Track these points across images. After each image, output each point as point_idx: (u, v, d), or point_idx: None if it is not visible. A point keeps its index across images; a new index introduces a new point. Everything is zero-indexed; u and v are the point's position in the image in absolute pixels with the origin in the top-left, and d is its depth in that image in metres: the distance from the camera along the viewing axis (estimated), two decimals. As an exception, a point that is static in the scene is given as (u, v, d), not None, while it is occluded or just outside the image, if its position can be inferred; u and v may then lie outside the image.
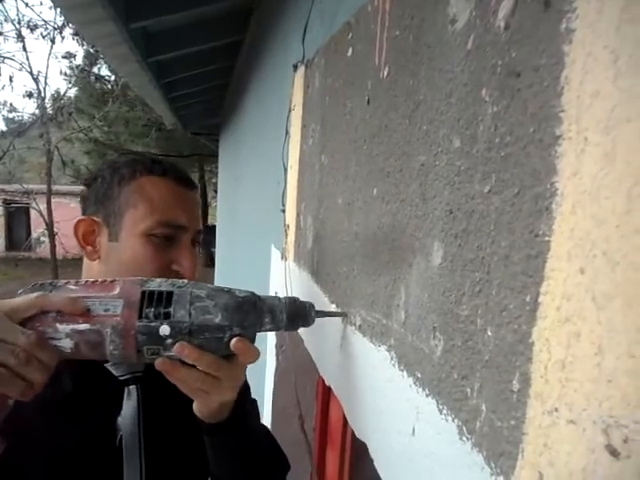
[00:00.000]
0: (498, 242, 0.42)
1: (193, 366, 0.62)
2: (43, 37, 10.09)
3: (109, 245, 0.78)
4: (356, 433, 0.77)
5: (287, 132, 1.42)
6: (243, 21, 2.75)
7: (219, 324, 0.61)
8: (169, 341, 0.60)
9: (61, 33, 9.99)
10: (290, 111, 1.40)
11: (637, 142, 0.29)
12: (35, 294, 0.59)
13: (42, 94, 10.23)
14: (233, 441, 0.76)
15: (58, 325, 0.58)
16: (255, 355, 0.64)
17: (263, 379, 1.79)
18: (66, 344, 0.59)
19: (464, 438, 0.45)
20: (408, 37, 0.62)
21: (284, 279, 1.30)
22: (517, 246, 0.39)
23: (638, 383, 0.28)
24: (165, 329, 0.60)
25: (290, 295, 0.73)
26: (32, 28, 9.99)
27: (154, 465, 0.77)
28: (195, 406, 0.71)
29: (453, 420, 0.47)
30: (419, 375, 0.55)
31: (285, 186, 1.42)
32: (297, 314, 0.66)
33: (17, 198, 13.29)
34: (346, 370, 0.82)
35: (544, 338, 0.35)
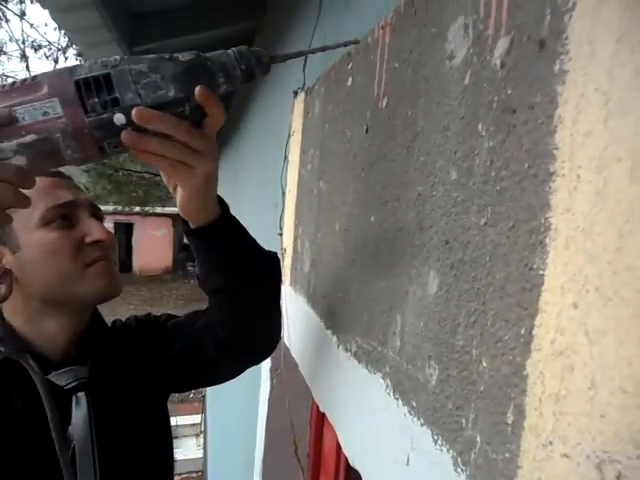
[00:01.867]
0: (493, 274, 0.42)
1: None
2: (47, 57, 10.21)
3: (16, 258, 0.75)
4: (350, 461, 0.76)
5: (286, 157, 1.44)
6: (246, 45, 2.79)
7: (174, 97, 0.55)
8: (129, 129, 0.55)
9: (64, 53, 10.12)
10: (289, 136, 1.42)
11: (627, 181, 0.30)
12: None
13: (43, 113, 10.30)
14: (231, 237, 0.75)
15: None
16: (221, 109, 0.59)
17: (257, 403, 1.77)
18: (19, 161, 0.54)
19: (459, 470, 0.45)
20: (407, 70, 0.63)
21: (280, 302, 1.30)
22: (512, 278, 0.40)
23: (630, 419, 0.28)
24: (120, 118, 0.54)
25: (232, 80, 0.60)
26: (36, 48, 10.12)
27: (109, 471, 0.77)
28: (181, 198, 0.68)
29: (448, 451, 0.47)
30: (414, 404, 0.55)
31: (283, 209, 1.43)
32: (250, 64, 0.59)
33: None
34: (341, 396, 0.81)
35: (538, 371, 0.36)
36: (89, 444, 0.75)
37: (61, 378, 0.77)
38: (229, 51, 0.59)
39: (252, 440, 1.80)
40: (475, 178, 0.46)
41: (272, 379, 1.56)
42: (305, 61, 1.23)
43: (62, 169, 0.73)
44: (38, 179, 0.76)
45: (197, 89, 0.55)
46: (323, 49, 0.73)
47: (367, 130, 0.76)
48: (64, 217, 0.76)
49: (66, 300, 0.78)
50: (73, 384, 0.78)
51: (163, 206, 14.97)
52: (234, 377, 0.97)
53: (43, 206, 0.75)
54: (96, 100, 0.53)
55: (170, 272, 16.66)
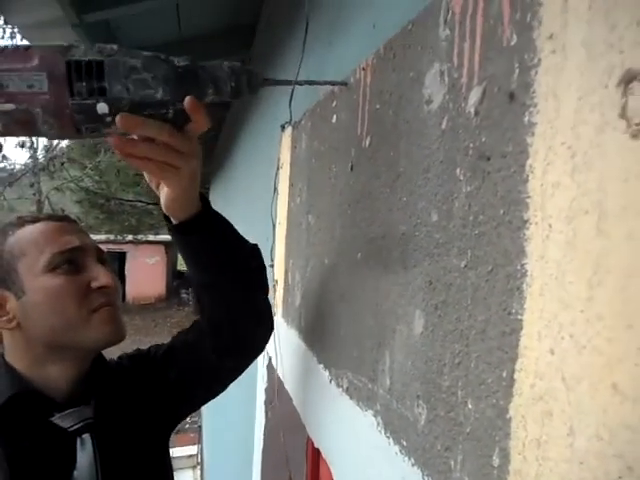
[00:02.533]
0: (475, 316, 0.43)
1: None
2: None
3: (20, 303, 0.76)
4: (345, 498, 0.76)
5: (275, 189, 1.46)
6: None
7: (161, 99, 0.56)
8: (109, 119, 0.55)
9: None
10: (278, 168, 1.44)
11: (594, 234, 0.31)
12: None
13: (34, 145, 10.35)
14: (213, 231, 0.76)
15: None
16: (205, 116, 0.61)
17: (253, 435, 1.75)
18: None
19: (449, 512, 0.45)
20: (388, 111, 0.65)
21: (273, 335, 1.30)
22: (493, 322, 0.41)
23: (606, 467, 0.29)
24: (103, 107, 0.54)
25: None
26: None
27: None
28: (166, 197, 0.69)
29: (438, 492, 0.47)
30: (405, 443, 0.55)
31: (274, 242, 1.44)
32: (241, 81, 0.61)
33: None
34: (334, 432, 0.81)
35: (520, 415, 0.36)
36: None
37: (65, 420, 0.77)
38: (224, 65, 0.61)
39: (249, 473, 1.78)
40: (455, 221, 0.47)
41: (267, 412, 1.55)
42: (291, 96, 1.25)
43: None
44: (45, 224, 0.79)
45: (187, 99, 0.57)
46: (311, 83, 0.75)
47: (352, 167, 0.78)
48: (70, 262, 0.77)
49: (70, 346, 0.78)
50: (77, 426, 0.77)
51: (156, 234, 14.97)
52: (236, 377, 0.96)
53: (49, 251, 0.76)
54: (84, 84, 0.54)
55: (164, 300, 16.55)
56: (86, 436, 0.77)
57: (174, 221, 0.75)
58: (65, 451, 0.75)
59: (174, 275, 18.00)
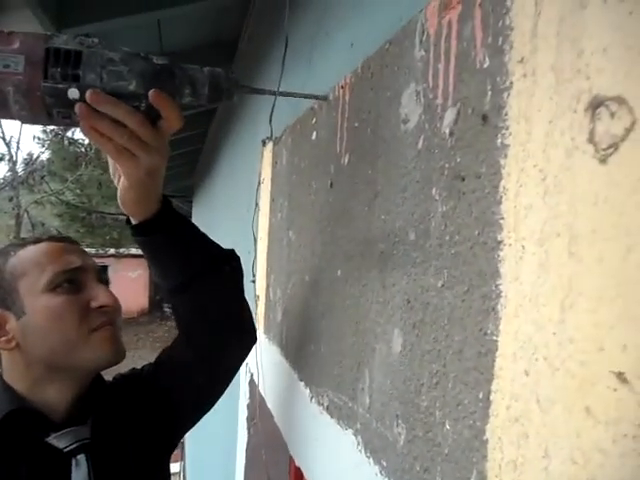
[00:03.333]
0: (452, 336, 0.43)
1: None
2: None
3: (20, 323, 0.75)
4: (326, 519, 0.75)
5: (257, 204, 1.45)
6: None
7: (133, 91, 0.57)
8: (77, 104, 0.56)
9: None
10: (259, 184, 1.43)
11: (566, 256, 0.31)
12: None
13: (14, 158, 10.22)
14: (173, 231, 0.75)
15: None
16: (177, 112, 0.60)
17: (235, 454, 1.73)
18: None
19: (428, 534, 0.45)
20: (366, 129, 0.66)
21: (254, 351, 1.29)
22: (469, 342, 0.41)
23: (581, 492, 0.29)
24: (74, 92, 0.55)
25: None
26: None
27: None
28: (121, 186, 0.68)
29: (417, 515, 0.47)
30: (384, 464, 0.54)
31: (255, 256, 1.43)
32: (220, 87, 0.62)
33: (-17, 262, 12.96)
34: (315, 451, 0.80)
35: (497, 436, 0.36)
36: None
37: (61, 440, 0.76)
38: (204, 69, 0.62)
39: (230, 492, 1.75)
40: (432, 240, 0.48)
41: (249, 429, 1.53)
42: (272, 112, 1.25)
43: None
44: (46, 244, 0.79)
45: (151, 91, 0.58)
46: (290, 95, 0.75)
47: (332, 184, 0.78)
48: (71, 282, 0.77)
49: (70, 366, 0.77)
50: (73, 446, 0.76)
51: (138, 248, 14.81)
52: (223, 389, 0.95)
53: (51, 270, 0.75)
54: (58, 70, 0.55)
55: (146, 314, 16.33)
56: (81, 457, 0.76)
57: (133, 221, 0.74)
58: (60, 472, 0.74)
59: (157, 289, 17.80)
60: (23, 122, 0.60)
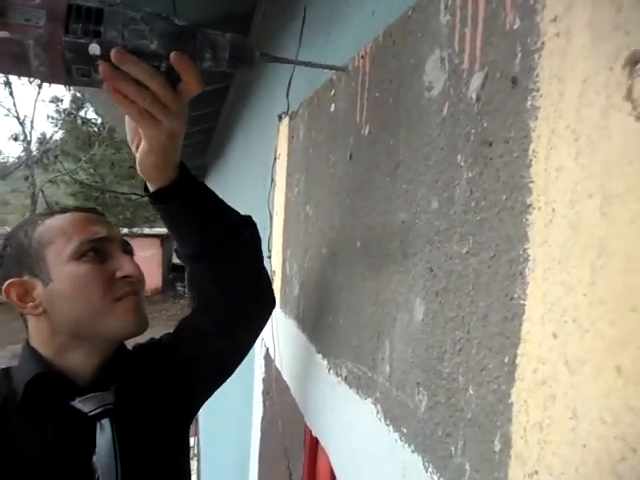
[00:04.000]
0: (476, 302, 0.43)
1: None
2: (30, 82, 10.22)
3: (47, 290, 0.77)
4: (344, 487, 0.76)
5: (273, 179, 1.45)
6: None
7: (155, 51, 0.57)
8: (100, 62, 0.56)
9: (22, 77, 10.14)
10: (275, 159, 1.43)
11: (598, 217, 0.31)
12: None
13: (28, 138, 10.27)
14: (194, 197, 0.76)
15: None
16: (197, 76, 0.60)
17: (250, 426, 1.76)
18: None
19: (450, 497, 0.45)
20: (387, 99, 0.65)
21: (270, 325, 1.30)
22: (494, 307, 0.41)
23: (609, 449, 0.29)
24: (95, 48, 0.55)
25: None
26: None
27: None
28: (141, 151, 0.69)
29: (439, 478, 0.47)
30: (405, 430, 0.55)
31: (271, 232, 1.44)
32: (240, 53, 0.62)
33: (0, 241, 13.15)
34: (333, 421, 0.82)
35: (522, 399, 0.37)
36: (113, 473, 0.76)
37: (86, 404, 0.78)
38: (225, 34, 0.62)
39: (246, 463, 1.78)
40: (456, 207, 0.47)
41: (264, 402, 1.56)
42: (289, 86, 1.24)
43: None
44: (73, 214, 0.81)
45: (172, 54, 0.57)
46: (310, 65, 0.75)
47: (351, 156, 0.77)
48: (96, 251, 0.78)
49: (94, 334, 0.79)
50: (97, 411, 0.78)
51: (151, 227, 14.93)
52: (243, 355, 0.96)
53: (77, 239, 0.77)
54: (80, 26, 0.55)
55: (160, 293, 16.51)
56: (105, 421, 0.78)
57: (151, 188, 0.75)
58: (85, 435, 0.76)
59: (170, 268, 17.96)
60: (41, 79, 0.60)
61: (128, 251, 0.84)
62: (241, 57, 0.62)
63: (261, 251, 0.90)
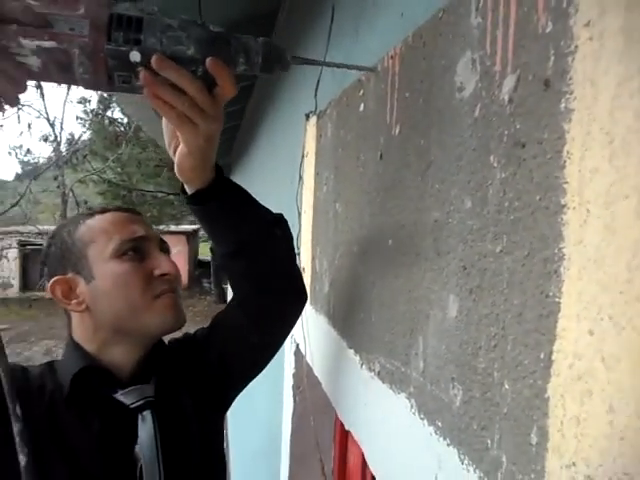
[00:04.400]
0: (511, 300, 0.44)
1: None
2: (59, 84, 10.42)
3: (90, 287, 0.81)
4: (378, 479, 0.78)
5: (300, 177, 1.47)
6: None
7: (191, 56, 0.60)
8: (140, 69, 0.59)
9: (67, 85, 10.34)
10: (303, 157, 1.45)
11: (634, 218, 0.32)
12: None
13: (58, 138, 10.52)
14: (230, 198, 0.79)
15: (22, 40, 0.56)
16: (231, 80, 0.63)
17: (280, 423, 1.79)
18: (33, 62, 0.58)
19: (486, 488, 0.46)
20: (418, 99, 0.66)
21: (300, 321, 1.32)
22: (529, 305, 0.42)
23: (647, 442, 0.30)
24: (135, 55, 0.58)
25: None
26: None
27: None
28: (180, 154, 0.71)
29: (475, 470, 0.48)
30: (439, 424, 0.56)
31: (299, 230, 1.46)
32: (272, 57, 0.64)
33: (31, 239, 13.50)
34: (366, 415, 0.83)
35: (559, 394, 0.38)
36: (155, 463, 0.79)
37: (128, 397, 0.82)
38: (258, 39, 0.64)
39: (277, 460, 1.82)
40: (489, 207, 0.48)
41: (295, 397, 1.58)
42: (317, 85, 1.26)
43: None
44: (113, 214, 0.85)
45: (208, 59, 0.60)
46: (339, 66, 0.76)
47: (381, 156, 0.79)
48: (136, 250, 0.82)
49: (134, 329, 0.83)
50: (139, 403, 0.82)
51: (177, 224, 15.16)
52: (276, 349, 0.99)
53: (118, 238, 0.81)
54: (121, 34, 0.58)
55: (186, 289, 16.76)
56: (147, 413, 0.82)
57: (189, 190, 0.77)
58: (127, 426, 0.80)
59: (196, 265, 18.20)
60: (85, 87, 0.63)
61: (165, 250, 0.87)
62: (274, 61, 0.65)
63: (293, 248, 0.93)
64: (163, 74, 0.60)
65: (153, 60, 0.58)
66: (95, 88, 0.64)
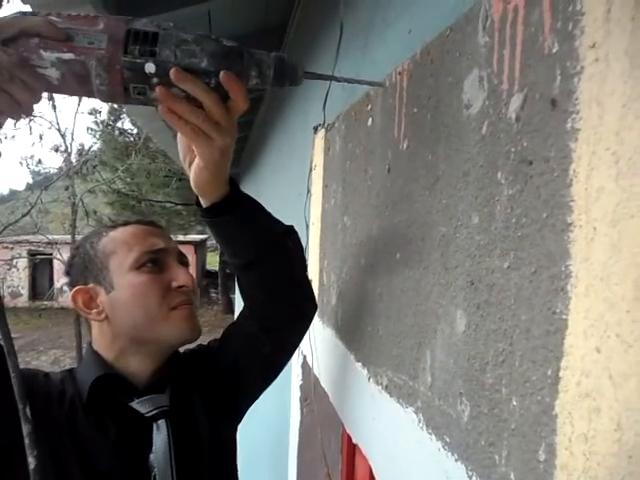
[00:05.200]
0: (519, 316, 0.45)
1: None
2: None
3: (109, 297, 0.83)
4: (385, 493, 0.77)
5: (308, 190, 1.48)
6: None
7: (205, 69, 0.61)
8: (155, 80, 0.60)
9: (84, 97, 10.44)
10: (311, 170, 1.46)
11: (640, 237, 0.32)
12: (12, 13, 0.60)
13: (68, 149, 10.60)
14: (245, 211, 0.79)
15: (42, 52, 0.58)
16: (244, 93, 0.63)
17: (288, 435, 1.78)
18: (52, 74, 0.60)
19: (494, 505, 0.46)
20: (426, 115, 0.67)
21: (308, 333, 1.32)
22: (537, 321, 0.42)
23: (655, 461, 0.30)
24: (150, 67, 0.60)
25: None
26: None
27: None
28: (196, 168, 0.72)
29: (483, 486, 0.48)
30: (447, 439, 0.57)
31: (307, 242, 1.46)
32: (284, 71, 0.65)
33: (41, 248, 13.60)
34: (374, 428, 0.83)
35: (567, 411, 0.38)
36: (169, 471, 0.80)
37: (143, 406, 0.83)
38: (270, 54, 0.65)
39: (284, 472, 1.81)
40: (497, 223, 0.49)
41: (302, 409, 1.58)
42: (325, 99, 1.27)
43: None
44: (134, 227, 0.88)
45: (222, 72, 0.61)
46: (348, 81, 0.78)
47: (389, 170, 0.79)
48: (154, 262, 0.84)
49: (151, 340, 0.84)
50: (154, 412, 0.83)
51: (185, 234, 15.23)
52: (287, 359, 1.00)
53: (138, 250, 0.83)
54: (137, 47, 0.60)
55: (194, 299, 16.77)
56: (161, 422, 0.83)
57: (205, 204, 0.78)
58: (142, 434, 0.81)
59: (203, 274, 18.25)
60: (101, 99, 0.64)
61: (184, 262, 0.89)
62: (286, 76, 0.66)
63: (304, 258, 0.94)
64: (181, 86, 0.61)
65: (171, 72, 0.59)
66: (111, 100, 0.66)
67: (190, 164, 0.74)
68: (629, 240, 0.33)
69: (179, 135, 0.73)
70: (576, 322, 0.37)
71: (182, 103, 0.62)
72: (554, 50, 0.41)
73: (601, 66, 0.36)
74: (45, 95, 0.67)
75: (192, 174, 0.74)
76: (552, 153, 0.41)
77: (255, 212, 0.83)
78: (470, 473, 0.51)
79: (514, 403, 0.44)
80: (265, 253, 0.83)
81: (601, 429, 0.34)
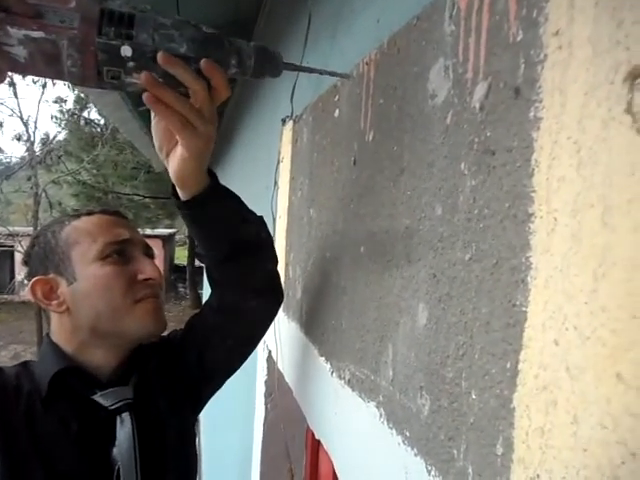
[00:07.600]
0: (479, 308, 0.44)
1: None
2: (34, 82, 10.25)
3: (71, 288, 0.80)
4: (346, 489, 0.76)
5: (276, 182, 1.46)
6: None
7: (184, 54, 0.59)
8: (131, 64, 0.58)
9: (53, 79, 10.16)
10: (279, 163, 1.44)
11: (599, 227, 0.31)
12: None
13: (31, 138, 10.30)
14: (225, 203, 0.78)
15: (9, 28, 0.55)
16: (226, 81, 0.62)
17: (250, 429, 1.76)
18: (19, 52, 0.56)
19: (452, 500, 0.46)
20: (392, 106, 0.66)
21: (272, 328, 1.31)
22: (497, 314, 0.41)
23: (610, 454, 0.29)
24: (127, 49, 0.57)
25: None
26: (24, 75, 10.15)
27: None
28: (178, 158, 0.70)
29: (441, 481, 0.48)
30: (407, 434, 0.56)
31: (274, 235, 1.44)
32: (265, 61, 0.64)
33: (2, 240, 13.18)
34: (336, 423, 0.82)
35: (524, 404, 0.37)
36: (133, 465, 0.78)
37: (107, 399, 0.80)
38: (250, 43, 0.63)
39: (248, 465, 1.79)
40: (459, 215, 0.48)
41: (266, 404, 1.56)
42: (293, 90, 1.25)
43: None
44: (98, 216, 0.83)
45: (203, 60, 0.59)
46: (321, 72, 0.76)
47: (355, 162, 0.78)
48: (119, 253, 0.81)
49: (113, 333, 0.81)
50: (117, 405, 0.80)
51: (153, 228, 14.98)
52: (251, 350, 0.99)
53: (102, 241, 0.80)
54: (112, 29, 0.57)
55: (161, 294, 16.53)
56: (125, 415, 0.80)
57: (184, 196, 0.75)
58: (106, 428, 0.79)
59: (172, 269, 18.00)
60: (72, 81, 0.61)
61: (150, 254, 0.86)
62: (267, 66, 0.64)
63: (275, 249, 0.93)
64: (170, 71, 0.58)
65: (159, 56, 0.57)
66: (82, 83, 0.62)
67: (167, 155, 0.71)
68: (589, 230, 0.32)
69: (154, 124, 0.70)
70: (535, 314, 0.37)
71: (169, 90, 0.60)
72: (519, 38, 0.41)
73: (564, 54, 0.35)
74: (5, 81, 0.63)
75: (173, 165, 0.71)
76: (515, 143, 0.40)
77: (233, 203, 0.82)
78: (429, 468, 0.50)
79: (473, 397, 0.44)
80: (243, 246, 0.82)
81: (557, 422, 0.34)
